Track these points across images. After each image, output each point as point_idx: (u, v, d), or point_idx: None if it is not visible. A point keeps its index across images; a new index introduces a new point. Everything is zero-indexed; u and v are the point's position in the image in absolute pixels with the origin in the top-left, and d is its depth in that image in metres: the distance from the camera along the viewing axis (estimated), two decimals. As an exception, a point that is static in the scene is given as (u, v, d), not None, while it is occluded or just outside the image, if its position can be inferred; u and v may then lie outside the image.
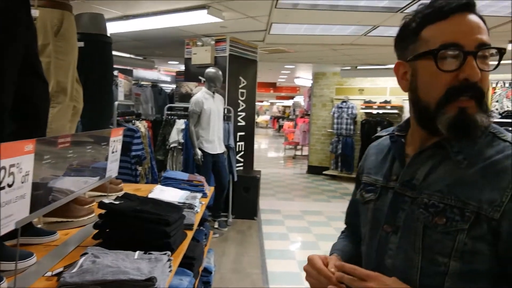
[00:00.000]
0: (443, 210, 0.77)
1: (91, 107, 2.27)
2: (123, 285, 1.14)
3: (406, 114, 8.07)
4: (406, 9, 3.81)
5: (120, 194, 2.13)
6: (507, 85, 7.32)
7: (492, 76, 7.29)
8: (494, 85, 7.40)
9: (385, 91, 8.80)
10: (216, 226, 4.91)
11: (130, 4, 3.97)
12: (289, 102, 24.04)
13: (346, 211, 1.19)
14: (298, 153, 13.27)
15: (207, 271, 2.71)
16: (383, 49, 6.25)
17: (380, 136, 1.05)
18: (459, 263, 0.75)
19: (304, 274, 0.94)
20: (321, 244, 4.65)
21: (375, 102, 8.64)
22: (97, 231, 1.50)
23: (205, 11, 3.73)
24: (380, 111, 8.48)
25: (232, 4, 3.76)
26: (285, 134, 15.47)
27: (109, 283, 1.13)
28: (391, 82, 8.71)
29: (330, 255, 1.04)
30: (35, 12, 1.68)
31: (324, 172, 9.26)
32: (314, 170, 9.56)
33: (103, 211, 1.51)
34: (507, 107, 7.31)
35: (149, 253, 1.34)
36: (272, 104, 29.64)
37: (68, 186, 1.56)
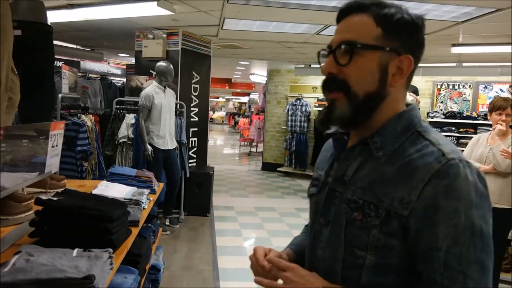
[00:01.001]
0: (361, 206, 0.81)
1: (30, 99, 2.14)
2: (59, 283, 1.10)
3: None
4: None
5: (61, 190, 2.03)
6: (450, 87, 7.75)
7: (437, 78, 7.70)
8: (439, 87, 7.82)
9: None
10: (167, 223, 4.83)
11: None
12: (245, 99, 24.08)
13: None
14: (253, 149, 13.33)
15: (155, 269, 2.66)
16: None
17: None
18: (374, 257, 0.80)
19: None
20: (273, 240, 4.70)
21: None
22: (33, 228, 1.42)
23: (154, 3, 3.63)
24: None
25: (184, -4, 3.70)
26: (241, 131, 15.48)
27: (43, 282, 1.08)
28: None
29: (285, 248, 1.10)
30: (-36, -4, 1.56)
31: (278, 169, 9.37)
32: (268, 167, 9.64)
33: (40, 208, 1.43)
34: (451, 107, 7.74)
35: (89, 251, 1.29)
36: (228, 100, 29.54)
37: (2, 182, 1.46)
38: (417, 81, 7.28)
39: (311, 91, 9.13)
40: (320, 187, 0.96)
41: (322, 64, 0.87)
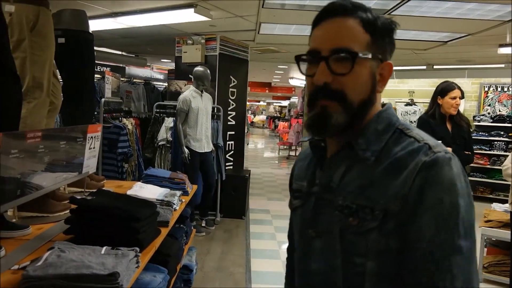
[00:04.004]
0: (356, 211, 0.78)
1: (71, 103, 2.27)
2: (85, 279, 1.15)
3: (399, 116, 8.14)
4: (393, 10, 3.83)
5: (98, 190, 2.13)
6: (499, 89, 7.38)
7: (484, 80, 7.36)
8: (486, 89, 7.46)
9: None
10: (203, 224, 4.92)
11: (117, 1, 3.96)
12: (285, 102, 24.07)
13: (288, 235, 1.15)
14: (292, 153, 13.29)
15: (188, 269, 2.72)
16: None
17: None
18: (374, 263, 0.76)
19: None
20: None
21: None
22: (68, 226, 1.50)
23: (192, 9, 3.73)
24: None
25: (219, 3, 3.77)
26: (280, 134, 15.48)
27: (71, 277, 1.14)
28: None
29: None
30: (11, 8, 1.69)
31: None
32: (306, 170, 9.55)
33: (75, 207, 1.51)
34: (499, 111, 7.36)
35: (117, 249, 1.34)
36: (268, 104, 29.65)
37: (40, 181, 1.56)
38: (463, 83, 6.98)
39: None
40: (305, 198, 0.92)
41: (310, 71, 0.83)
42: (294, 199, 0.98)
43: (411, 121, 8.02)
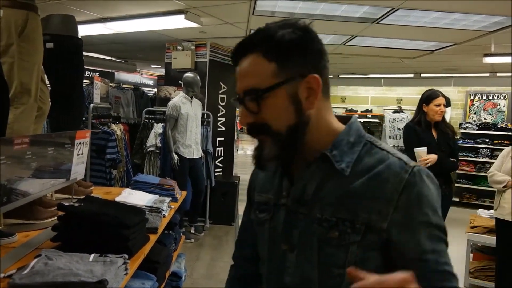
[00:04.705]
0: (335, 224, 0.79)
1: (59, 108, 2.25)
2: (73, 287, 1.14)
3: (387, 123, 8.22)
4: (382, 20, 3.89)
5: (86, 197, 2.11)
6: (484, 97, 7.51)
7: (470, 88, 7.49)
8: (472, 97, 7.59)
9: (367, 100, 8.96)
10: (192, 231, 4.89)
11: (107, 6, 3.95)
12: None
13: (238, 233, 1.16)
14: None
15: (177, 276, 2.69)
16: (364, 59, 6.35)
17: None
18: None
19: None
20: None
21: (356, 111, 8.75)
22: (56, 233, 1.49)
23: (182, 16, 3.73)
24: (361, 120, 8.59)
25: (210, 9, 3.78)
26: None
27: (58, 285, 1.13)
28: (372, 91, 8.87)
29: None
30: (-1, 12, 1.68)
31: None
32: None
33: (62, 214, 1.50)
34: (485, 119, 7.49)
35: (105, 256, 1.33)
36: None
37: (27, 188, 1.54)
38: (449, 91, 7.09)
39: (340, 101, 9.07)
40: (273, 211, 0.91)
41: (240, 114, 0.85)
42: (260, 212, 0.95)
43: (398, 128, 8.12)
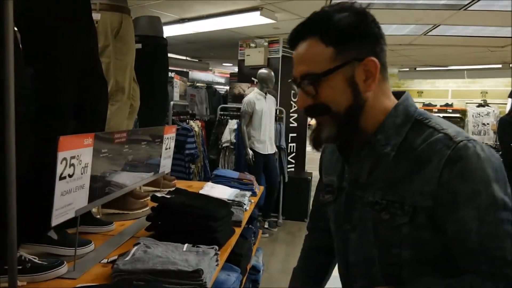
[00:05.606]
0: (386, 206, 0.82)
1: (147, 105, 2.37)
2: (171, 275, 1.18)
3: (470, 118, 7.66)
4: (470, 5, 3.60)
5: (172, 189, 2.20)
6: None
7: None
8: None
9: (447, 93, 8.42)
10: (266, 226, 4.93)
11: (186, 7, 4.10)
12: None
13: (310, 214, 1.25)
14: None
15: (255, 270, 2.73)
16: (445, 50, 5.96)
17: None
18: (409, 252, 0.80)
19: None
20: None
21: (435, 105, 8.28)
22: (149, 223, 1.56)
23: (258, 12, 3.76)
24: (441, 115, 8.07)
25: (285, 5, 3.77)
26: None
27: (158, 272, 1.18)
28: (453, 84, 8.31)
29: None
30: (97, 16, 1.80)
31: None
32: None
33: (155, 205, 1.57)
34: None
35: (197, 246, 1.37)
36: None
37: (123, 180, 1.64)
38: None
39: (416, 95, 8.62)
40: (336, 193, 0.96)
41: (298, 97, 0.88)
42: (326, 194, 1.01)
43: (483, 123, 7.54)
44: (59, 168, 1.10)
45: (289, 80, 0.91)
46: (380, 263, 0.85)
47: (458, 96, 8.24)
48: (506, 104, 6.89)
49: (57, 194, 1.11)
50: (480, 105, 7.59)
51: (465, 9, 3.69)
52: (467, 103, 7.95)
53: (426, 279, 0.79)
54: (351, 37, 0.80)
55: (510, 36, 4.80)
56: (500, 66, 7.23)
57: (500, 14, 3.77)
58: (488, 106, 7.55)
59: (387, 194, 0.81)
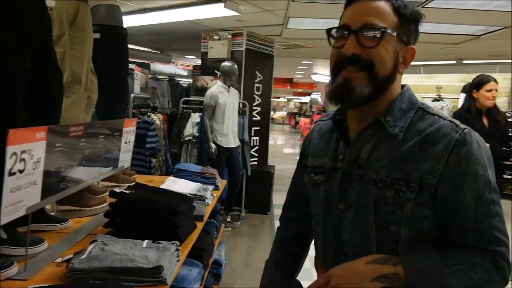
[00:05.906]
0: (391, 184, 0.85)
1: (106, 97, 2.29)
2: (130, 272, 1.15)
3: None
4: (427, 3, 3.72)
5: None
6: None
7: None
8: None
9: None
10: (228, 219, 4.93)
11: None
12: (306, 99, 23.93)
13: (284, 204, 1.27)
14: (314, 149, 13.16)
15: (217, 264, 2.72)
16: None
17: (321, 121, 1.12)
18: (408, 230, 0.85)
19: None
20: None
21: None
22: (108, 220, 1.51)
23: (222, 4, 3.72)
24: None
25: (249, -3, 3.75)
26: (301, 131, 15.40)
27: (116, 270, 1.14)
28: (410, 79, 8.60)
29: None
30: (51, 3, 1.71)
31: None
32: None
33: (114, 200, 1.52)
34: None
35: (158, 242, 1.34)
36: (289, 100, 29.53)
37: (79, 175, 1.58)
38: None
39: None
40: (328, 173, 0.98)
41: (338, 43, 0.89)
42: (315, 175, 1.03)
43: (438, 117, 7.83)
44: (8, 163, 1.04)
45: (337, 27, 0.91)
46: (377, 240, 0.87)
47: (415, 91, 8.20)
48: (458, 98, 7.20)
49: (6, 191, 1.04)
50: (435, 100, 7.89)
51: (422, 6, 3.82)
52: (423, 97, 8.23)
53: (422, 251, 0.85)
54: (412, 21, 0.90)
55: (463, 34, 5.03)
56: (454, 62, 7.55)
57: (455, 12, 3.92)
58: (442, 100, 7.86)
59: (392, 172, 0.85)
